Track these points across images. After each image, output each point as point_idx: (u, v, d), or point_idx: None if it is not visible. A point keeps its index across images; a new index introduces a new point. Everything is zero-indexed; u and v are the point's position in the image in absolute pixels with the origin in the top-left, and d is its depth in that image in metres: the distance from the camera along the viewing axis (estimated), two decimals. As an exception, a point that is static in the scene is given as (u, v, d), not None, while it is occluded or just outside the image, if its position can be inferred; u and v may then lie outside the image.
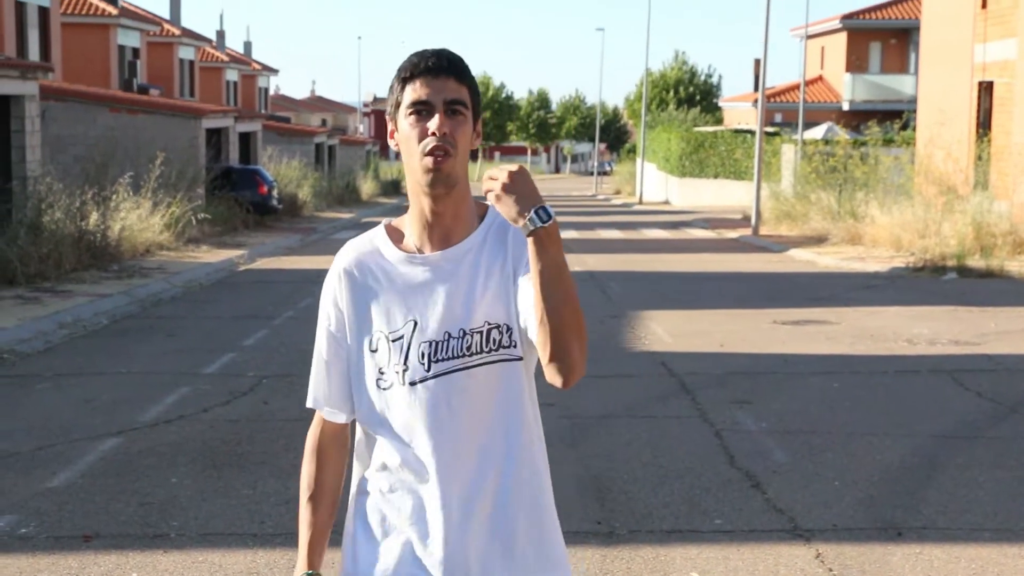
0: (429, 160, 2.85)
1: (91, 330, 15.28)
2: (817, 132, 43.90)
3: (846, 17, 55.46)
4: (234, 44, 75.04)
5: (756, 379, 11.94)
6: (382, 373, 2.94)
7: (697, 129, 58.13)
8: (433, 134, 2.85)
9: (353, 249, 3.02)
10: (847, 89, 55.02)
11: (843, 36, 56.13)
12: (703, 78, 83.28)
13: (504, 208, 2.72)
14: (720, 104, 75.09)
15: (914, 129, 35.40)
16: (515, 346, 2.90)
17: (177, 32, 51.51)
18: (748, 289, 20.00)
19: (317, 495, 3.14)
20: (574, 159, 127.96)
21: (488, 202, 2.89)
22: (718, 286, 20.46)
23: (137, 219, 24.43)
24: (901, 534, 7.15)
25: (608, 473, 8.43)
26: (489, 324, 2.90)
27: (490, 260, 2.93)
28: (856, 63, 55.71)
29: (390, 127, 2.98)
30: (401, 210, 49.69)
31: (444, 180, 2.87)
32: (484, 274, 2.92)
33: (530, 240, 2.71)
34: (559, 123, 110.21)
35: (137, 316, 16.70)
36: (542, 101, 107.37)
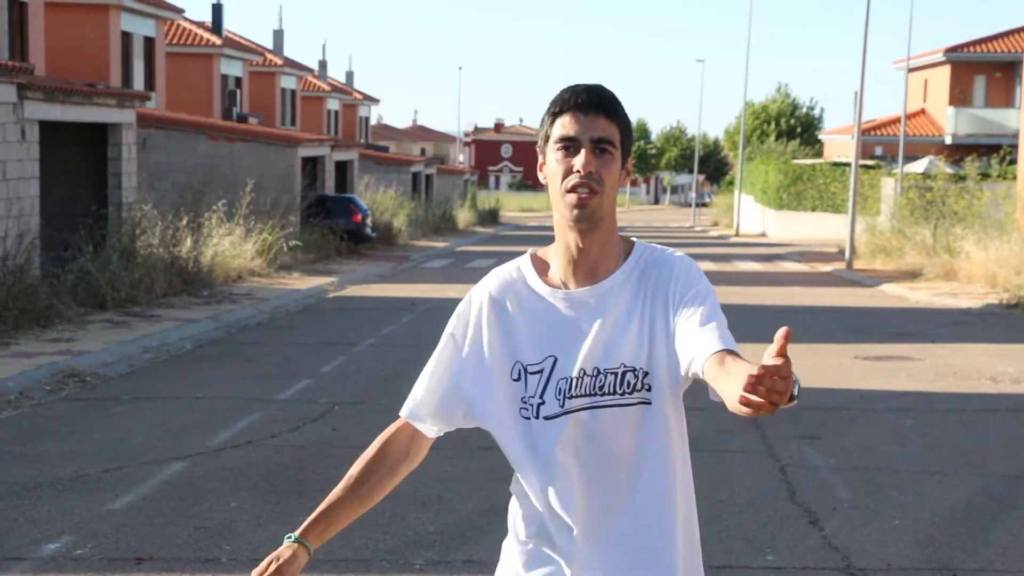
0: (573, 197, 2.85)
1: (174, 355, 15.53)
2: (918, 166, 43.33)
3: (950, 50, 54.75)
4: (336, 74, 76.05)
5: (829, 415, 11.79)
6: (524, 402, 2.93)
7: (795, 161, 57.67)
8: (578, 172, 2.84)
9: (500, 276, 3.02)
10: (950, 123, 54.26)
11: (946, 69, 55.39)
12: (804, 110, 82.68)
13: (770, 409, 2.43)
14: (820, 136, 74.47)
15: (1016, 163, 34.83)
16: (648, 390, 2.88)
17: (279, 62, 52.29)
18: (834, 323, 19.78)
19: (357, 480, 3.15)
20: (673, 190, 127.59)
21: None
22: (804, 320, 20.25)
23: (230, 245, 24.80)
24: (956, 574, 7.01)
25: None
26: (625, 367, 2.88)
27: (632, 301, 2.91)
28: (959, 96, 54.93)
29: (540, 160, 2.97)
30: (498, 239, 49.96)
31: (588, 217, 2.86)
32: (626, 315, 2.90)
33: None
34: (659, 154, 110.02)
35: (221, 341, 16.93)
36: (641, 132, 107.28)
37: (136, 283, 19.61)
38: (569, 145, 2.86)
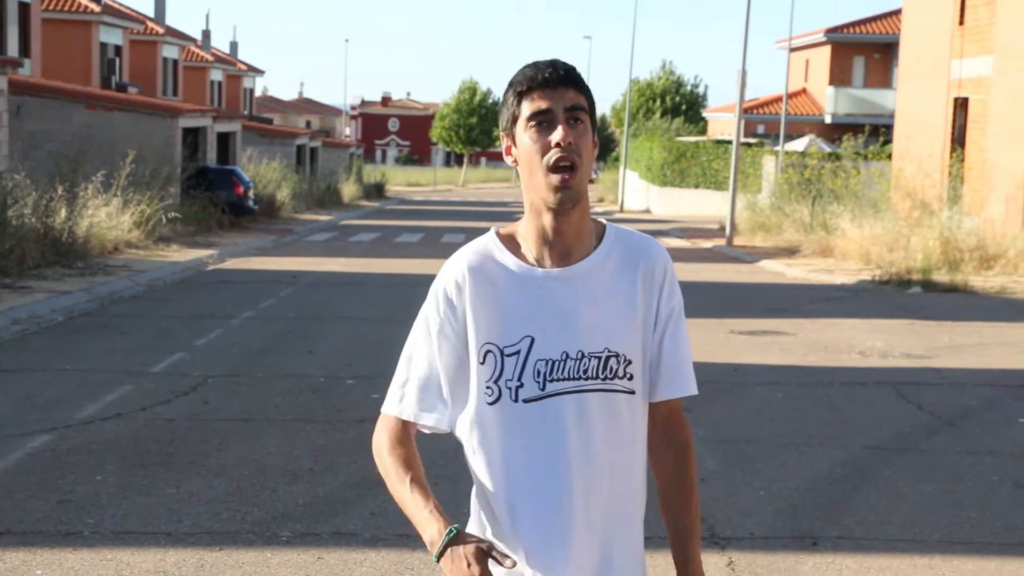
0: (556, 178, 2.72)
1: (44, 327, 15.24)
2: (798, 144, 43.97)
3: (830, 31, 55.58)
4: (220, 44, 75.02)
5: (701, 388, 11.79)
6: (488, 388, 2.80)
7: (679, 139, 58.19)
8: (558, 145, 2.72)
9: (468, 255, 2.85)
10: (830, 102, 55.13)
11: (827, 49, 56.24)
12: (689, 88, 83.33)
13: None
14: (705, 114, 75.21)
15: (892, 143, 35.48)
16: (630, 379, 2.81)
17: (161, 31, 51.47)
18: (711, 299, 20.01)
19: (418, 476, 2.90)
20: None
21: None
22: (684, 295, 20.38)
23: (106, 216, 24.38)
24: (816, 544, 7.16)
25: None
26: (609, 351, 2.79)
27: (615, 285, 2.82)
28: (839, 76, 55.82)
29: (505, 143, 2.85)
30: (383, 213, 49.74)
31: (572, 197, 2.74)
32: (608, 298, 2.80)
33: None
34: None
35: (94, 314, 16.66)
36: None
37: (6, 254, 19.20)
38: (543, 120, 2.74)
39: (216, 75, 62.82)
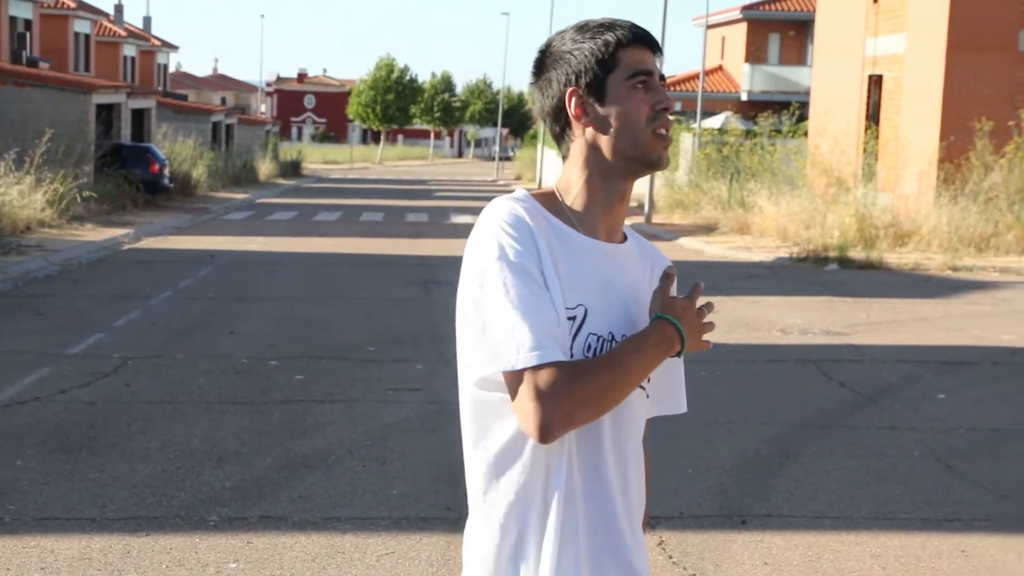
0: (661, 141, 2.55)
1: (-42, 308, 14.96)
2: (715, 122, 44.21)
3: (746, 8, 55.93)
4: (133, 19, 73.96)
5: (626, 366, 11.96)
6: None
7: (597, 116, 58.31)
8: (664, 108, 2.54)
9: (515, 204, 2.54)
10: (746, 79, 55.48)
11: (743, 27, 56.59)
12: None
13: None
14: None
15: (807, 120, 35.80)
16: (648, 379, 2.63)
17: (72, 4, 50.57)
18: (632, 276, 20.10)
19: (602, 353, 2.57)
20: (478, 144, 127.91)
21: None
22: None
23: (18, 195, 23.95)
24: (745, 522, 7.20)
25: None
26: None
27: (642, 272, 2.67)
28: (755, 54, 56.20)
29: (573, 104, 2.57)
30: (300, 191, 49.34)
31: (667, 160, 2.60)
32: (640, 284, 2.64)
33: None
34: (463, 107, 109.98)
35: (7, 294, 16.36)
36: (446, 84, 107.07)
37: (-82, 234, 18.81)
38: (646, 79, 2.55)
39: (129, 50, 61.88)
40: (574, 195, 2.60)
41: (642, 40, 2.56)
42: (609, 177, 2.58)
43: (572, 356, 2.47)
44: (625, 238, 2.67)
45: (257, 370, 11.40)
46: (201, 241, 24.99)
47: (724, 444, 8.99)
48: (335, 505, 7.40)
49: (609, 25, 2.57)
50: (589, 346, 2.50)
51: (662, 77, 2.58)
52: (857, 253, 22.39)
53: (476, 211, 37.36)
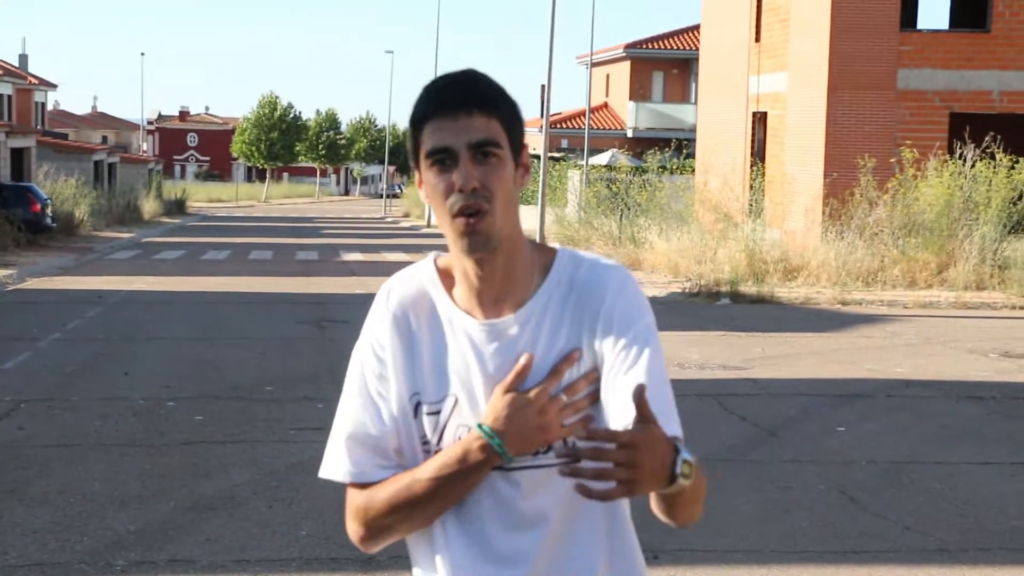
0: (460, 223, 2.29)
1: None
2: (602, 158, 44.64)
3: (629, 46, 56.66)
4: (8, 56, 72.59)
5: (528, 403, 11.96)
6: (425, 442, 2.38)
7: (485, 153, 58.55)
8: (460, 190, 2.28)
9: (401, 288, 2.42)
10: (631, 117, 56.14)
11: (627, 65, 57.31)
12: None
13: (624, 491, 2.00)
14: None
15: (693, 157, 36.31)
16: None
17: (-51, 42, 49.63)
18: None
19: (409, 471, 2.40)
20: (364, 181, 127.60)
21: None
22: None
23: None
24: (657, 557, 7.22)
25: (372, 499, 8.32)
26: None
27: (552, 336, 2.35)
28: (639, 91, 56.91)
29: (416, 176, 2.41)
30: (185, 230, 48.77)
31: (482, 244, 2.30)
32: (543, 353, 2.34)
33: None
34: (349, 144, 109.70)
35: None
36: (331, 122, 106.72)
37: None
38: (444, 158, 2.30)
39: (5, 88, 60.79)
40: (454, 269, 2.42)
41: (440, 110, 2.30)
42: (458, 254, 2.37)
43: (440, 450, 2.34)
44: (532, 295, 2.38)
45: (154, 411, 11.20)
46: (87, 281, 24.56)
47: (631, 479, 9.00)
48: (244, 547, 7.29)
49: (420, 95, 2.36)
50: (459, 438, 2.34)
51: (481, 144, 2.28)
52: (748, 288, 22.69)
53: (366, 248, 37.24)
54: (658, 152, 33.86)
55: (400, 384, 2.39)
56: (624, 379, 2.29)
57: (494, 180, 2.30)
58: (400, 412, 2.39)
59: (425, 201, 2.39)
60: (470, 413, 2.35)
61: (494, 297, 2.37)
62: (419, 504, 2.33)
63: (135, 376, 13.06)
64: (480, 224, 2.29)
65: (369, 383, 2.41)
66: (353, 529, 2.40)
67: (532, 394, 2.29)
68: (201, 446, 9.84)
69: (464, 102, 2.30)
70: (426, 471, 2.33)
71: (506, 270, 2.36)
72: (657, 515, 2.36)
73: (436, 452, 2.35)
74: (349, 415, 2.41)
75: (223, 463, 9.28)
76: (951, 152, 25.86)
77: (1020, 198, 24.33)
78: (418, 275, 2.45)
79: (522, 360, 2.32)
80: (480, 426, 2.30)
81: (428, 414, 2.37)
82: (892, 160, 25.72)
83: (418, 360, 2.39)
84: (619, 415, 2.27)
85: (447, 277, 2.43)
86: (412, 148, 2.37)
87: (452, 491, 2.32)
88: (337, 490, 8.23)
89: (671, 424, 2.29)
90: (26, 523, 7.66)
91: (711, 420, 11.21)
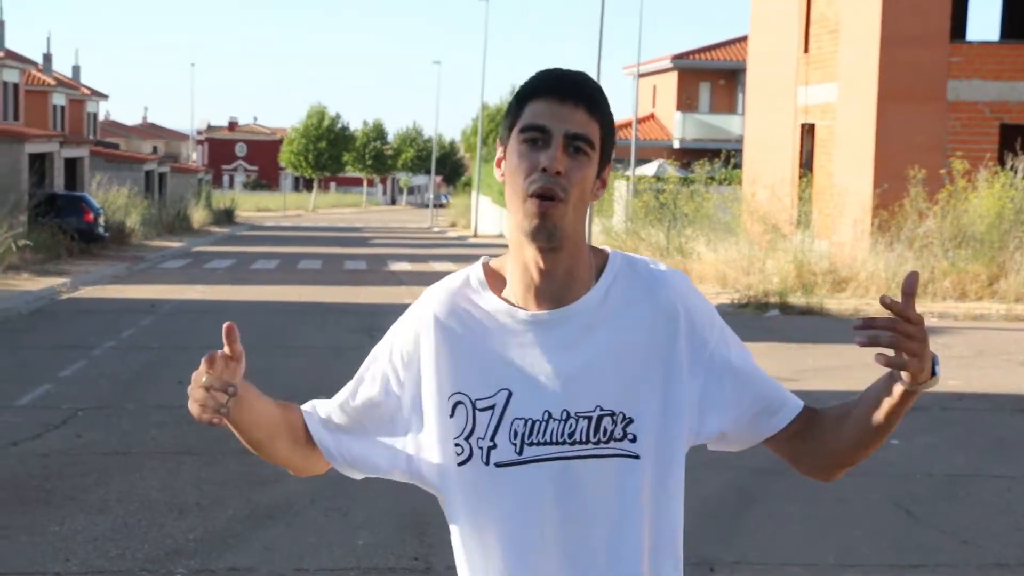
0: (533, 204, 2.28)
1: (-102, 360, 14.72)
2: (649, 169, 44.60)
3: (677, 57, 56.59)
4: (62, 68, 73.33)
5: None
6: (457, 445, 2.39)
7: (531, 164, 58.65)
8: (543, 170, 2.28)
9: (445, 291, 2.43)
10: (677, 127, 56.06)
11: (674, 76, 57.22)
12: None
13: (918, 366, 2.21)
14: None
15: (740, 167, 36.23)
16: (632, 440, 2.36)
17: (0, 54, 50.15)
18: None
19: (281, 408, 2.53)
20: (410, 191, 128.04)
21: (894, 359, 2.23)
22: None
23: (-47, 245, 23.67)
24: (714, 569, 7.23)
25: (430, 508, 8.37)
26: (602, 410, 2.35)
27: (614, 331, 2.38)
28: (686, 102, 56.83)
29: (498, 153, 2.40)
30: (234, 239, 49.11)
31: (549, 232, 2.29)
32: (605, 347, 2.36)
33: (904, 391, 2.28)
34: (395, 155, 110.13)
35: (-51, 345, 16.14)
36: (378, 132, 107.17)
37: None
38: (538, 137, 2.30)
39: (59, 99, 61.44)
40: (510, 262, 2.42)
41: (550, 92, 2.32)
42: (520, 243, 2.36)
43: (495, 445, 2.36)
44: (589, 290, 2.40)
45: (210, 420, 11.28)
46: (140, 290, 24.78)
47: (686, 490, 9.00)
48: (302, 556, 7.36)
49: (533, 76, 2.38)
50: (515, 432, 2.36)
51: (577, 137, 2.30)
52: (797, 299, 22.62)
53: (414, 258, 37.37)
54: (706, 163, 33.80)
55: (438, 386, 2.41)
56: (734, 369, 2.43)
57: (577, 175, 2.31)
58: (435, 412, 2.42)
59: (500, 179, 2.38)
60: (528, 404, 2.36)
61: (553, 293, 2.37)
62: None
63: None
64: (552, 210, 2.29)
65: (388, 372, 2.47)
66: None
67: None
68: (255, 455, 9.90)
69: (576, 94, 2.32)
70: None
71: (568, 268, 2.37)
72: (824, 469, 2.51)
73: (490, 448, 2.37)
74: (351, 384, 2.52)
75: (279, 472, 9.33)
76: (1002, 163, 25.69)
77: (1072, 209, 24.14)
78: (460, 279, 2.45)
79: None
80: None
81: (480, 409, 2.38)
82: (942, 171, 25.58)
83: (462, 360, 2.40)
84: (770, 401, 2.45)
85: (496, 278, 2.43)
86: (507, 124, 2.37)
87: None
88: (393, 499, 8.28)
89: (792, 399, 2.48)
90: (87, 531, 7.75)
91: (763, 432, 11.20)
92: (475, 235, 57.52)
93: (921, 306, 22.00)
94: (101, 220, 35.27)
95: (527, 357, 2.37)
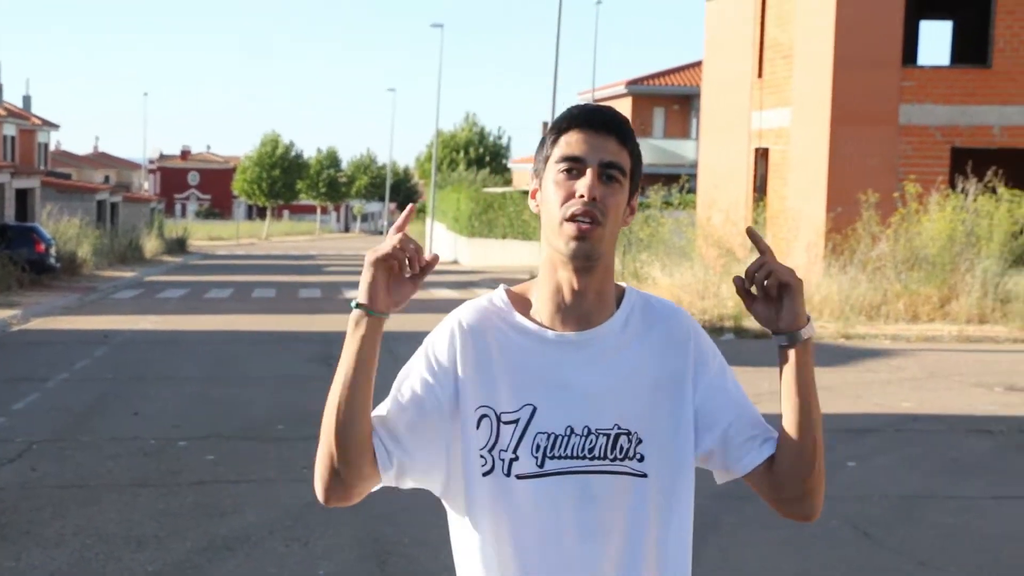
0: (572, 227, 2.46)
1: None
2: (602, 194, 44.74)
3: (631, 83, 56.91)
4: (12, 98, 72.82)
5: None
6: (481, 456, 2.50)
7: (486, 190, 58.70)
8: (581, 196, 2.46)
9: (475, 309, 2.57)
10: (631, 153, 56.27)
11: (628, 101, 57.50)
12: (492, 139, 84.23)
13: (791, 306, 2.48)
14: (509, 165, 76.06)
15: (694, 192, 36.42)
16: (640, 460, 2.51)
17: (-49, 84, 49.80)
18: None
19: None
20: (364, 218, 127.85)
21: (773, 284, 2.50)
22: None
23: (-97, 277, 23.42)
24: (675, 594, 7.23)
25: (390, 537, 8.34)
26: (619, 429, 2.50)
27: (634, 355, 2.55)
28: (640, 127, 57.09)
29: (532, 185, 2.59)
30: (188, 268, 48.87)
31: (588, 252, 2.47)
32: (627, 368, 2.54)
33: (794, 351, 2.49)
34: (349, 182, 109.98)
35: (-101, 379, 15.94)
36: (332, 159, 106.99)
37: None
38: (573, 167, 2.49)
39: (9, 130, 60.99)
40: (539, 285, 2.58)
41: (584, 124, 2.51)
42: (554, 267, 2.53)
43: (516, 457, 2.47)
44: (612, 316, 2.56)
45: (166, 451, 11.22)
46: (92, 321, 24.59)
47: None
48: (262, 588, 7.30)
49: (567, 111, 2.57)
50: (538, 446, 2.48)
51: (610, 165, 2.48)
52: (751, 323, 22.71)
53: (369, 286, 37.18)
54: (661, 187, 33.97)
55: (466, 397, 2.51)
56: (728, 393, 2.60)
57: (611, 201, 2.49)
58: (464, 422, 2.51)
59: (535, 210, 2.57)
60: (551, 419, 2.49)
61: (582, 314, 2.54)
62: (336, 384, 2.43)
63: (145, 416, 13.08)
64: (591, 232, 2.47)
65: (431, 380, 2.52)
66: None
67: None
68: (214, 486, 9.86)
69: (607, 125, 2.52)
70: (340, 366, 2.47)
71: (599, 291, 2.55)
72: (783, 509, 2.61)
73: (512, 460, 2.48)
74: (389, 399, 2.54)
75: (237, 503, 9.30)
76: (953, 186, 25.96)
77: (1022, 232, 24.41)
78: (485, 300, 2.60)
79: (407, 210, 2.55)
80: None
81: (505, 423, 2.49)
82: (895, 194, 25.81)
83: (489, 375, 2.51)
84: (726, 413, 2.58)
85: (519, 301, 2.59)
86: (541, 156, 2.57)
87: (347, 363, 2.45)
88: (353, 529, 8.25)
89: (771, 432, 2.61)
90: (44, 565, 7.67)
91: (722, 456, 11.23)
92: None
93: (874, 328, 22.19)
94: (52, 251, 35.01)
95: (553, 374, 2.51)
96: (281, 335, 22.14)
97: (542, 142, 2.57)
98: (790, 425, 2.53)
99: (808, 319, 2.50)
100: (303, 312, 27.32)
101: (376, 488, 2.56)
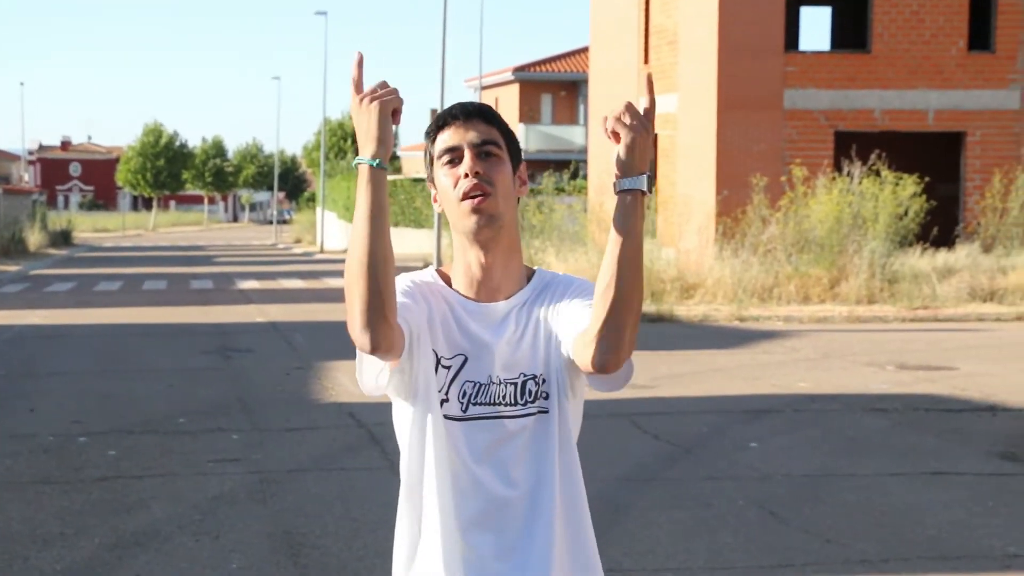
0: (467, 204, 2.81)
1: None
2: (493, 181, 44.82)
3: (518, 69, 57.06)
4: None
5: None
6: (440, 392, 2.91)
7: (376, 178, 58.48)
8: (466, 176, 2.80)
9: (418, 275, 2.97)
10: (521, 139, 56.44)
11: (515, 88, 57.69)
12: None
13: (635, 152, 2.69)
14: (399, 153, 75.75)
15: (585, 178, 36.63)
16: (546, 398, 2.90)
17: None
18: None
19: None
20: (252, 208, 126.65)
21: (622, 129, 2.74)
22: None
23: None
24: (589, 577, 7.30)
25: (301, 528, 8.31)
26: (524, 375, 2.90)
27: (532, 317, 2.92)
28: (529, 114, 57.30)
29: (432, 191, 2.92)
30: (74, 261, 48.01)
31: (489, 220, 2.82)
32: (527, 329, 2.91)
33: (628, 198, 2.70)
34: (236, 171, 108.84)
35: None
36: (217, 149, 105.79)
37: None
38: (453, 156, 2.84)
39: None
40: (455, 265, 2.95)
41: (450, 119, 2.87)
42: (465, 247, 2.89)
43: (447, 399, 2.88)
44: (520, 289, 2.96)
45: (67, 448, 11.06)
46: (-22, 316, 24.07)
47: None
48: (175, 583, 7.24)
49: (437, 113, 2.98)
50: (464, 392, 2.90)
51: (484, 143, 2.83)
52: (647, 307, 22.93)
53: (261, 276, 36.96)
54: (552, 173, 34.12)
55: (429, 337, 2.90)
56: (573, 302, 2.90)
57: (494, 172, 2.83)
58: (423, 344, 2.90)
59: (439, 210, 2.90)
60: (476, 370, 2.89)
61: (492, 288, 2.91)
62: (357, 221, 2.69)
63: (42, 412, 12.86)
64: (484, 204, 2.80)
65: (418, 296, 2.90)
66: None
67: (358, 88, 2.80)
68: (118, 481, 9.74)
69: (471, 113, 2.88)
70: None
71: (505, 263, 2.91)
72: (598, 349, 2.74)
73: (443, 401, 2.89)
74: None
75: (143, 498, 9.20)
76: (839, 170, 26.42)
77: (906, 214, 24.94)
78: (424, 273, 2.99)
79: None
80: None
81: (442, 367, 2.89)
82: (783, 178, 26.21)
83: (434, 324, 2.90)
84: (578, 319, 2.84)
85: (445, 279, 2.97)
86: (428, 160, 2.93)
87: (363, 205, 2.68)
88: (262, 521, 8.21)
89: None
90: (-52, 567, 7.53)
91: (626, 440, 11.36)
92: (321, 251, 57.13)
93: (767, 310, 22.54)
94: (-66, 245, 34.20)
95: (475, 334, 2.90)
96: (175, 328, 21.88)
97: (425, 150, 2.93)
98: (606, 264, 2.72)
99: (644, 174, 2.70)
100: (196, 304, 27.02)
101: (393, 358, 2.83)
